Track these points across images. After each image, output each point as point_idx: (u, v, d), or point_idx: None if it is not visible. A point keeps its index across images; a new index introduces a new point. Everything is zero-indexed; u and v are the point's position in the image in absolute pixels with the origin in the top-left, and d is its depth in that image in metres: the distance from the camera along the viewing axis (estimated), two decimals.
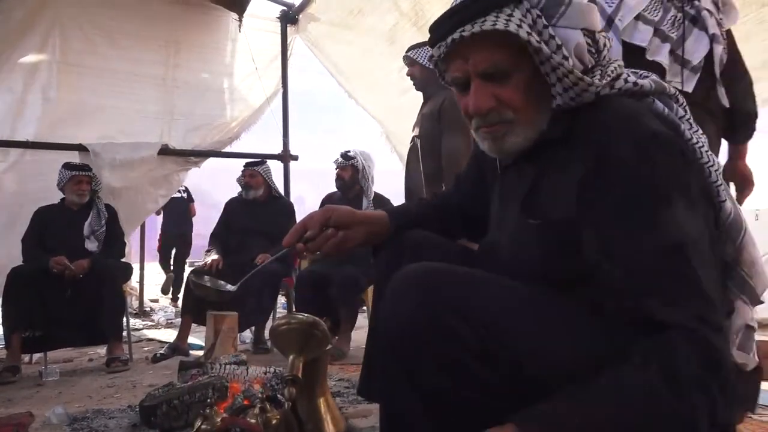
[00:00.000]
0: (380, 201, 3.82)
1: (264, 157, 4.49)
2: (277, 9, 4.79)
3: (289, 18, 4.78)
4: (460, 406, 0.80)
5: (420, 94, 3.11)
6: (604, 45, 0.90)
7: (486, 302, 0.81)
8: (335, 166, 3.89)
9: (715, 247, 0.85)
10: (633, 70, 0.96)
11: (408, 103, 4.38)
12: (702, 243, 0.78)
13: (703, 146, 0.89)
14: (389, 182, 4.18)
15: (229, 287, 1.58)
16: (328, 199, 3.95)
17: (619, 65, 0.93)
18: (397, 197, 3.80)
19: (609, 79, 0.89)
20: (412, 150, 3.07)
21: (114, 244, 3.65)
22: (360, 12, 4.30)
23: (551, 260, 0.88)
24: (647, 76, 0.95)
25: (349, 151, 3.90)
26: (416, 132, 3.05)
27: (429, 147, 2.85)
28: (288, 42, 4.82)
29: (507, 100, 0.89)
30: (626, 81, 0.91)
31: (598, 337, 0.79)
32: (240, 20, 4.48)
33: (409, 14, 4.02)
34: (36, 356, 3.55)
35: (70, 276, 3.23)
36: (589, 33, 0.87)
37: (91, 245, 3.51)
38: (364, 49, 4.54)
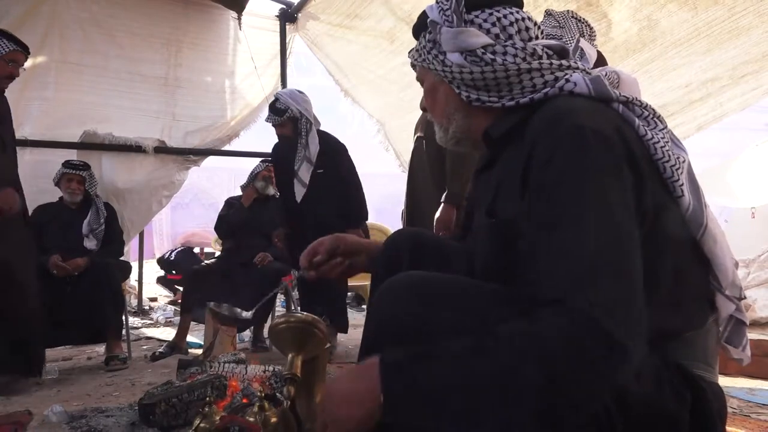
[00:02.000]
0: (327, 142, 3.51)
1: (263, 156, 4.48)
2: (276, 7, 4.78)
3: (288, 16, 4.77)
4: (456, 421, 0.80)
5: (420, 91, 3.11)
6: (493, 56, 0.98)
7: (474, 312, 0.83)
8: (271, 124, 3.52)
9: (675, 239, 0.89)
10: (586, 70, 0.99)
11: (407, 99, 4.38)
12: (612, 232, 0.77)
13: (658, 142, 0.91)
14: (387, 184, 4.14)
15: (245, 314, 1.96)
16: (276, 151, 3.65)
17: (547, 78, 0.96)
18: (392, 199, 3.76)
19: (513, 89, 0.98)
20: (416, 151, 3.07)
21: (112, 243, 3.65)
22: (356, 16, 4.30)
23: (502, 259, 0.92)
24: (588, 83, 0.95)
25: (276, 101, 3.47)
26: (420, 133, 3.04)
27: (436, 148, 2.85)
28: (287, 40, 4.82)
29: (426, 104, 1.15)
30: (553, 82, 0.96)
31: None
32: (239, 18, 4.47)
33: (405, 19, 4.02)
34: None
35: (64, 275, 3.24)
36: (469, 52, 1.00)
37: (90, 244, 3.51)
38: (364, 47, 4.53)
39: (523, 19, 1.02)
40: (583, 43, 2.39)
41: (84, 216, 3.57)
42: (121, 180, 4.10)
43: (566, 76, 0.95)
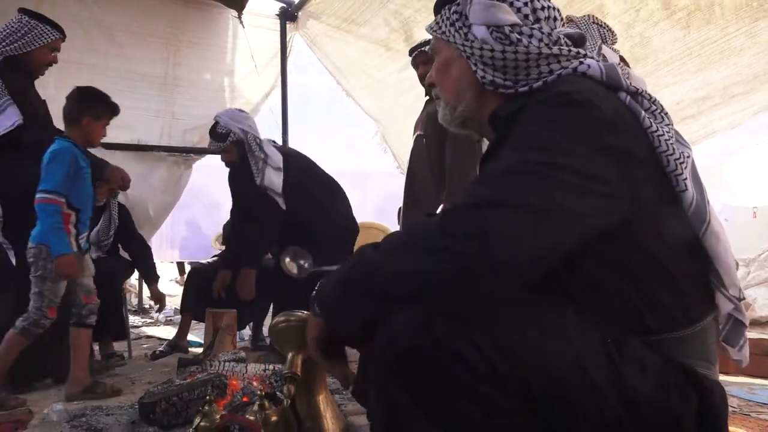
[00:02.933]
0: (293, 157, 3.30)
1: None
2: (277, 6, 4.78)
3: (288, 15, 4.77)
4: (470, 427, 0.80)
5: (420, 94, 3.11)
6: (519, 37, 0.97)
7: (491, 322, 0.81)
8: (214, 151, 3.29)
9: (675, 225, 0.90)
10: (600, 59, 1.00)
11: (406, 103, 4.38)
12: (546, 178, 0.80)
13: (663, 135, 0.91)
14: (389, 183, 4.11)
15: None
16: (232, 182, 3.38)
17: (563, 63, 0.97)
18: (393, 199, 3.74)
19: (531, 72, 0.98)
20: (416, 150, 3.06)
21: (142, 251, 3.60)
22: (353, 21, 4.31)
23: None
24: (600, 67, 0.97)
25: (216, 125, 3.20)
26: (420, 131, 3.04)
27: (436, 146, 2.85)
28: (287, 39, 4.81)
29: (434, 79, 1.11)
30: (568, 69, 0.96)
31: (595, 346, 0.83)
32: (239, 17, 4.47)
33: (399, 30, 4.02)
34: None
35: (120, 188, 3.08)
36: (496, 28, 0.98)
37: (93, 255, 3.43)
38: (362, 50, 4.55)
39: (552, 7, 1.03)
40: (606, 50, 2.40)
41: (94, 222, 3.38)
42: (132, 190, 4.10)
43: (580, 59, 0.97)
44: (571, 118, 0.84)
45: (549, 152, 0.81)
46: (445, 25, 1.06)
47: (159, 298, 3.52)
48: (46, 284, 2.38)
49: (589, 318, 0.85)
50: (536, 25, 0.99)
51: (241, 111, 3.29)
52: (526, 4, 1.00)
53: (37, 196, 2.35)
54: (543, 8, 1.01)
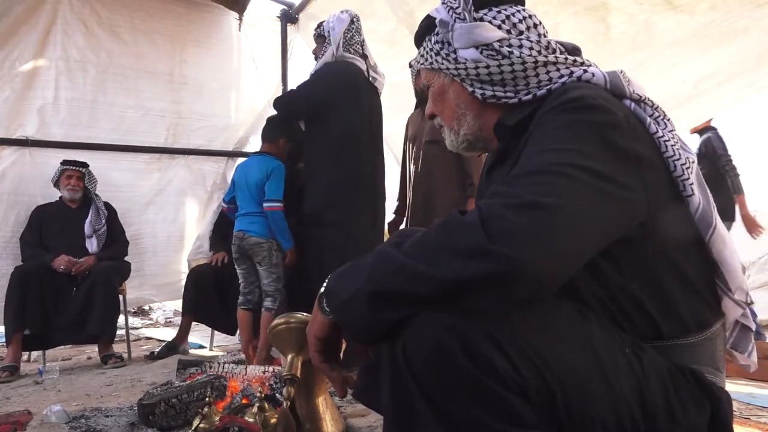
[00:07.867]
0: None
1: None
2: (278, 8, 4.79)
3: (289, 17, 4.78)
4: None
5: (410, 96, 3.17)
6: (510, 49, 0.99)
7: (519, 327, 0.78)
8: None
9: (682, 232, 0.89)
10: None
11: (405, 103, 4.38)
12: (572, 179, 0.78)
13: (669, 140, 0.90)
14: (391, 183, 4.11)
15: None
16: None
17: (562, 71, 0.97)
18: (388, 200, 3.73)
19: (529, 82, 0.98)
20: (428, 156, 3.09)
21: (115, 243, 3.65)
22: (359, 13, 4.30)
23: None
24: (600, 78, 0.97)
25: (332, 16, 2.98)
26: (429, 138, 3.06)
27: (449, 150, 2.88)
28: (288, 41, 4.82)
29: (433, 110, 1.13)
30: (569, 75, 0.97)
31: (618, 357, 0.81)
32: (240, 19, 4.48)
33: (406, 21, 4.02)
34: (34, 354, 3.55)
35: (78, 272, 3.31)
36: (485, 46, 1.00)
37: (92, 245, 3.50)
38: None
39: (530, 16, 1.04)
40: None
41: (84, 215, 3.56)
42: (127, 183, 4.10)
43: (584, 68, 0.97)
44: (591, 122, 0.84)
45: (577, 155, 0.79)
46: (431, 56, 1.08)
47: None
48: (279, 269, 3.00)
49: (608, 325, 0.85)
50: (523, 36, 1.00)
51: (347, 12, 3.00)
52: (503, 21, 1.01)
53: (270, 204, 2.95)
54: (520, 21, 1.02)
